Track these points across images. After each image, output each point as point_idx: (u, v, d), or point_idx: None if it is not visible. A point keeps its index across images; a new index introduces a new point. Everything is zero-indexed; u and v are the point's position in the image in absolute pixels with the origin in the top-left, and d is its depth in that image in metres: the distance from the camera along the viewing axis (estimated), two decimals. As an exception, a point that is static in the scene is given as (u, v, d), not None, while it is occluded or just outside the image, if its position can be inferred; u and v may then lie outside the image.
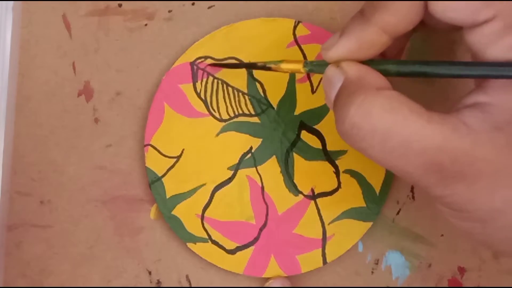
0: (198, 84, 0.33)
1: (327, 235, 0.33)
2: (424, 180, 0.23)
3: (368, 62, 0.25)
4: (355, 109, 0.22)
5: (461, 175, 0.22)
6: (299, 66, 0.27)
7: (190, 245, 0.33)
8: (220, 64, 0.33)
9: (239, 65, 0.33)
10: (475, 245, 0.33)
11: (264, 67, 0.29)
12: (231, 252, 0.33)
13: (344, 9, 0.34)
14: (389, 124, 0.22)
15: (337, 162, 0.33)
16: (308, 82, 0.33)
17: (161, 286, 0.33)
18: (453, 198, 0.23)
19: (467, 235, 0.25)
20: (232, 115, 0.33)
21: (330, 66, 0.25)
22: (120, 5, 0.34)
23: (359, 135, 0.23)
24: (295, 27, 0.34)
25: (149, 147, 0.33)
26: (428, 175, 0.22)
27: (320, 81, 0.33)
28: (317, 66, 0.27)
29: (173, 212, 0.33)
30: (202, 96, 0.33)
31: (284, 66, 0.28)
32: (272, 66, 0.29)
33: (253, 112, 0.33)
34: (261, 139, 0.33)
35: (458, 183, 0.22)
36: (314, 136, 0.33)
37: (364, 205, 0.33)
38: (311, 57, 0.33)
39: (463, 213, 0.23)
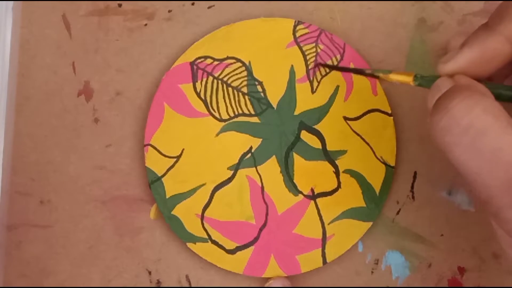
0: (198, 84, 0.33)
1: (327, 235, 0.33)
2: (500, 198, 0.21)
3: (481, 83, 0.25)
4: (458, 102, 0.22)
5: None
6: (409, 79, 0.27)
7: (190, 245, 0.33)
8: (327, 66, 0.33)
9: (346, 69, 0.32)
10: (475, 245, 0.33)
11: (372, 75, 0.29)
12: (231, 252, 0.33)
13: (344, 9, 0.34)
14: (486, 126, 0.22)
15: (337, 162, 0.33)
16: (308, 82, 0.33)
17: (161, 286, 0.33)
18: None
19: None
20: (232, 115, 0.33)
21: (443, 77, 0.25)
22: (120, 5, 0.34)
23: (452, 129, 0.22)
24: (295, 27, 0.34)
25: (149, 147, 0.33)
26: (508, 193, 0.21)
27: (320, 81, 0.33)
28: (428, 80, 0.26)
29: (173, 212, 0.33)
30: (202, 96, 0.33)
31: (393, 76, 0.28)
32: (381, 75, 0.28)
33: (253, 112, 0.33)
34: (261, 139, 0.33)
35: None
36: (314, 136, 0.33)
37: (364, 205, 0.33)
38: (310, 57, 0.33)
39: None
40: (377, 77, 0.29)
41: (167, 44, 0.34)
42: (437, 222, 0.33)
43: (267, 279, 0.33)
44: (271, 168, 0.33)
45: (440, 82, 0.25)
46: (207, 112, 0.33)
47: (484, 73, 0.25)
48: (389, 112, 0.33)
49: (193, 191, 0.33)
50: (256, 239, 0.33)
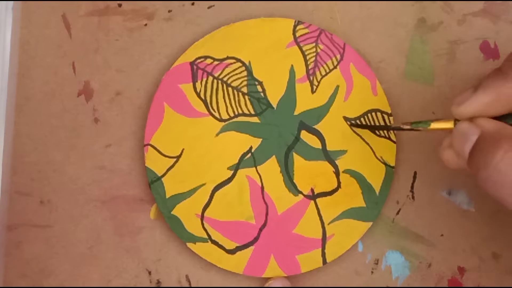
0: (198, 84, 0.33)
1: (327, 235, 0.33)
2: None
3: (501, 118, 0.25)
4: (501, 156, 0.23)
5: None
6: (450, 124, 0.27)
7: (190, 245, 0.33)
8: (364, 126, 0.33)
9: (386, 127, 0.32)
10: (475, 245, 0.33)
11: (412, 129, 0.29)
12: (231, 252, 0.33)
13: (344, 9, 0.34)
14: None
15: (337, 162, 0.33)
16: (308, 82, 0.33)
17: (161, 286, 0.33)
18: None
19: None
20: (232, 115, 0.33)
21: (463, 121, 0.26)
22: (120, 5, 0.34)
23: (503, 182, 0.23)
24: (295, 27, 0.34)
25: (149, 147, 0.33)
26: None
27: (320, 81, 0.33)
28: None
29: (173, 212, 0.33)
30: (202, 96, 0.33)
31: (434, 126, 0.28)
32: (421, 128, 0.28)
33: (253, 112, 0.33)
34: (261, 139, 0.33)
35: None
36: (314, 136, 0.33)
37: (364, 205, 0.33)
38: (310, 57, 0.33)
39: None
40: (418, 130, 0.29)
41: (167, 44, 0.34)
42: (437, 222, 0.33)
43: (267, 279, 0.33)
44: (271, 168, 0.33)
45: (464, 129, 0.25)
46: (207, 112, 0.33)
47: (497, 113, 0.26)
48: (389, 112, 0.33)
49: (193, 191, 0.33)
50: (256, 239, 0.33)
